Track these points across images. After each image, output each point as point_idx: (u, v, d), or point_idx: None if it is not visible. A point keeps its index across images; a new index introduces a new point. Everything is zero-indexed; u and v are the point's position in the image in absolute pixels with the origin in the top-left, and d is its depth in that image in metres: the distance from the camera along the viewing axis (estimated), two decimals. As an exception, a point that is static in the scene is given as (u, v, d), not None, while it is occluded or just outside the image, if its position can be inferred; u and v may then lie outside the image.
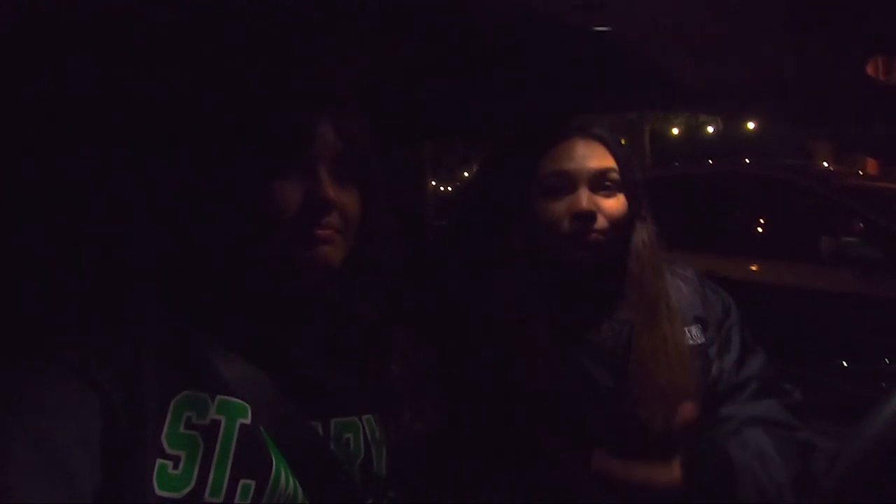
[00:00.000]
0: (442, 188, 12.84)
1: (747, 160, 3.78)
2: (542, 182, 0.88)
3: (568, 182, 0.86)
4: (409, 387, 0.69)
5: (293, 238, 0.60)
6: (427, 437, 0.68)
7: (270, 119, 0.59)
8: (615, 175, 0.87)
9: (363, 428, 0.65)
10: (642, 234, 0.88)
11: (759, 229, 3.56)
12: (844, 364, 1.48)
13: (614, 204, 0.86)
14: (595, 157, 0.87)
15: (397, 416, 0.68)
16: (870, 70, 0.96)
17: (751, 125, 8.87)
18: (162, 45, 0.68)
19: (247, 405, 0.56)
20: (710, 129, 10.38)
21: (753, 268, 3.01)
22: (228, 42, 0.71)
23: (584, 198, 0.84)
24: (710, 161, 4.06)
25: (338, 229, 0.62)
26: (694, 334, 0.88)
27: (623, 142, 0.95)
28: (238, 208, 0.59)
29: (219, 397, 0.55)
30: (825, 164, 4.22)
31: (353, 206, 0.64)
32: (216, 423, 0.54)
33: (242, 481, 0.54)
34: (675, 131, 10.69)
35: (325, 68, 0.67)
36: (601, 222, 0.85)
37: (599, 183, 0.86)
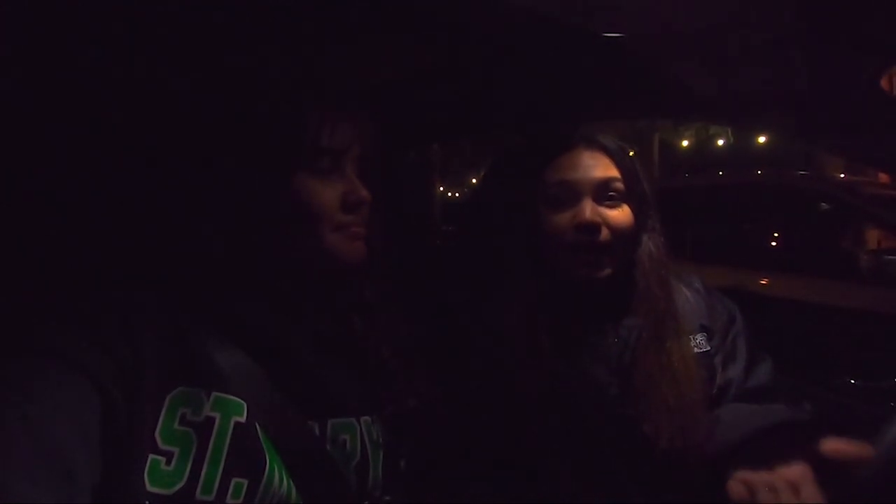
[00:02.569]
0: (450, 193, 12.85)
1: (759, 172, 3.74)
2: (546, 192, 0.87)
3: (571, 192, 0.85)
4: (401, 365, 0.70)
5: (334, 235, 0.63)
6: (420, 410, 0.69)
7: (302, 120, 0.62)
8: (619, 185, 0.85)
9: (360, 429, 0.65)
10: (649, 246, 0.87)
11: (773, 242, 3.51)
12: (853, 382, 1.46)
13: (619, 215, 0.84)
14: (599, 167, 0.85)
15: (390, 390, 0.69)
16: (884, 83, 0.94)
17: (761, 139, 8.81)
18: (184, 46, 0.70)
19: (242, 402, 0.56)
20: (721, 142, 10.32)
21: (763, 281, 2.98)
22: (257, 45, 0.74)
23: (588, 209, 0.83)
24: (721, 172, 4.02)
25: (366, 225, 0.66)
26: (699, 342, 0.87)
27: (632, 153, 0.94)
28: (271, 207, 0.61)
29: (214, 394, 0.55)
30: (842, 175, 4.18)
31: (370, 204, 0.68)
32: (210, 420, 0.54)
33: (235, 480, 0.53)
34: (685, 143, 10.64)
35: (347, 71, 0.69)
36: (605, 234, 0.83)
37: (603, 193, 0.85)
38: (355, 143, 0.66)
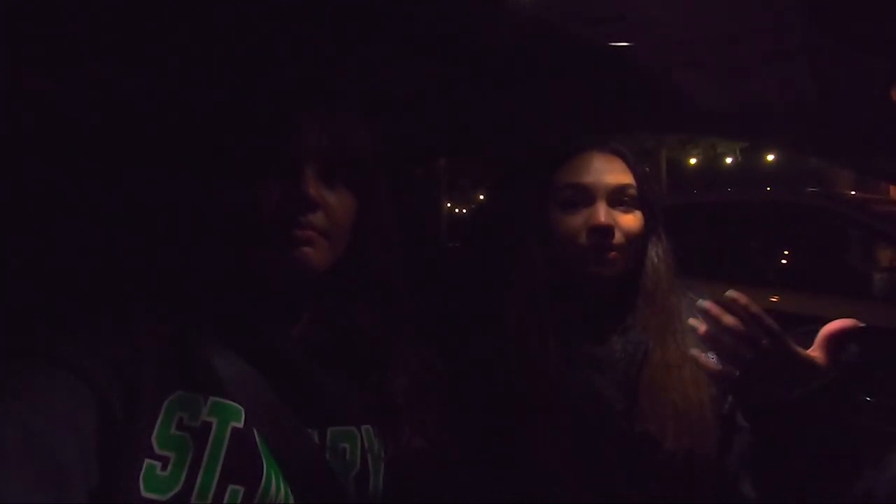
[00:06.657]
0: (457, 210, 12.87)
1: (769, 189, 3.72)
2: (559, 195, 0.87)
3: (585, 195, 0.85)
4: (410, 401, 0.67)
5: (272, 238, 0.58)
6: (426, 452, 0.66)
7: (254, 115, 0.59)
8: (633, 191, 0.86)
9: (361, 438, 0.63)
10: (657, 251, 0.88)
11: (784, 261, 3.48)
12: (868, 399, 1.43)
13: (631, 220, 0.85)
14: (614, 172, 0.86)
15: (397, 430, 0.66)
16: (894, 97, 0.94)
17: (770, 157, 8.79)
18: (149, 43, 0.68)
19: (240, 408, 0.55)
20: (729, 160, 10.30)
21: (774, 299, 2.94)
22: (218, 41, 0.71)
23: (602, 212, 0.83)
24: (730, 189, 4.00)
25: (321, 231, 0.60)
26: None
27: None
28: (221, 207, 0.58)
29: (212, 399, 0.54)
30: (852, 193, 4.15)
31: (341, 209, 0.62)
32: (207, 426, 0.53)
33: (231, 486, 0.52)
34: (693, 161, 10.62)
35: (315, 68, 0.66)
36: (618, 237, 0.84)
37: (617, 198, 0.86)
38: (316, 139, 0.59)
